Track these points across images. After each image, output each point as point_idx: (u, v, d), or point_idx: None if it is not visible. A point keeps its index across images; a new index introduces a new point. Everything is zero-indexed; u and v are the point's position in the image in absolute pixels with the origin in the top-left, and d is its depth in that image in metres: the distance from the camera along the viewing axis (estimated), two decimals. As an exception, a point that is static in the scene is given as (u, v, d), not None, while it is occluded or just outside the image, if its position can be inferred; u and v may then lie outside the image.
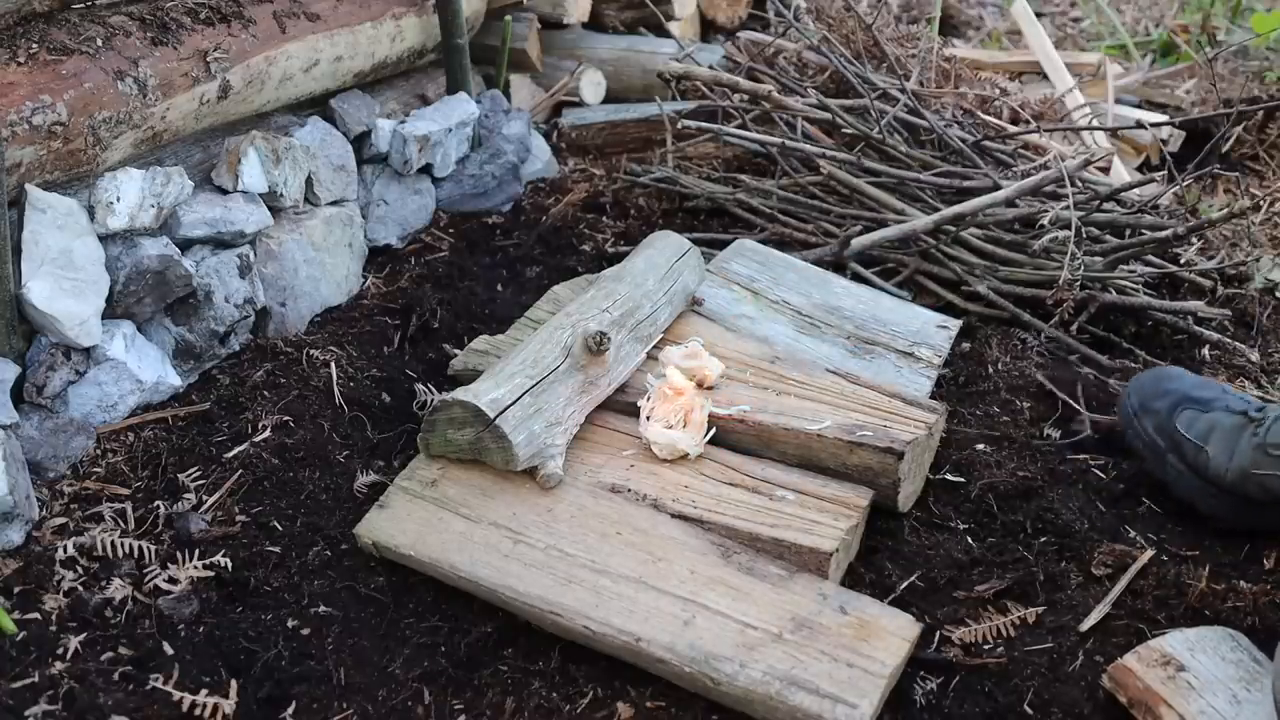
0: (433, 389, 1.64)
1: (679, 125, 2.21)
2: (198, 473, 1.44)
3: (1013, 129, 2.38)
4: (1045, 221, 1.84)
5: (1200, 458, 1.41)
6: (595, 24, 3.02)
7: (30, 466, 1.36)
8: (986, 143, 2.23)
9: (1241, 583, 1.32)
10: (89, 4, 1.58)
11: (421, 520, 1.31)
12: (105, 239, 1.51)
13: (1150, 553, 1.37)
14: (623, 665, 1.19)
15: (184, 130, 1.69)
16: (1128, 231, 1.99)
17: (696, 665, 1.13)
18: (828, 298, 1.80)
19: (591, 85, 2.78)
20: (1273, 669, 1.09)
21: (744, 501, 1.33)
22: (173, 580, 1.27)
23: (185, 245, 1.63)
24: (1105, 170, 2.43)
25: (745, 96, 2.31)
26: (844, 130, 2.18)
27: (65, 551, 1.27)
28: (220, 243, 1.68)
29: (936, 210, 2.02)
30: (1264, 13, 2.99)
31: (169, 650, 1.18)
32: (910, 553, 1.38)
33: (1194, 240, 2.08)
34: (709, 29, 3.40)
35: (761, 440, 1.43)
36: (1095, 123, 2.64)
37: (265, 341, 1.71)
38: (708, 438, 1.42)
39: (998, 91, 2.55)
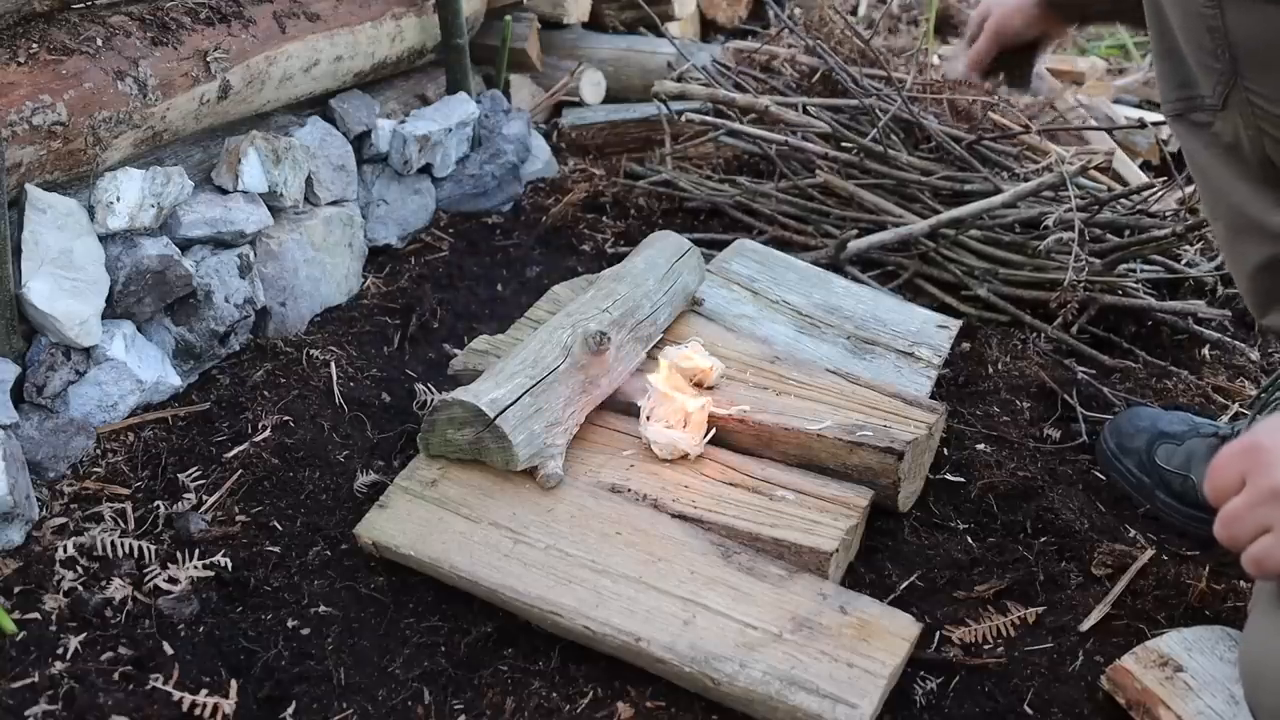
0: (433, 389, 1.64)
1: (683, 119, 2.21)
2: (198, 473, 1.44)
3: (1011, 126, 2.38)
4: (1050, 223, 1.85)
5: (1186, 487, 1.42)
6: (595, 24, 3.03)
7: (30, 466, 1.36)
8: (984, 144, 2.23)
9: (1241, 583, 1.32)
10: (89, 4, 1.58)
11: (421, 520, 1.31)
12: (105, 239, 1.51)
13: (1150, 553, 1.37)
14: (623, 665, 1.19)
15: (184, 130, 1.69)
16: (1127, 231, 1.99)
17: (696, 665, 1.13)
18: (828, 297, 1.80)
19: (591, 85, 2.79)
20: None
21: (744, 501, 1.33)
22: (173, 580, 1.27)
23: (185, 245, 1.63)
24: (1105, 170, 2.43)
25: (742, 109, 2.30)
26: (844, 145, 2.18)
27: (65, 551, 1.27)
28: (220, 243, 1.68)
29: (936, 212, 2.02)
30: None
31: (169, 650, 1.18)
32: (910, 553, 1.38)
33: (1194, 240, 2.08)
34: (709, 29, 3.41)
35: (761, 440, 1.43)
36: (1091, 122, 2.64)
37: (265, 341, 1.71)
38: (708, 438, 1.42)
39: (994, 98, 2.56)
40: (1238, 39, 1.08)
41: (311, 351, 1.68)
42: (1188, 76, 1.17)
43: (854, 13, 3.43)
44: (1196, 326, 1.89)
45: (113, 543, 1.30)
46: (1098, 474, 1.53)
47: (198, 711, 1.12)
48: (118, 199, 1.50)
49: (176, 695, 1.13)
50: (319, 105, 2.04)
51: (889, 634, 1.16)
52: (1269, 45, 1.06)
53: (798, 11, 2.95)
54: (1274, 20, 1.04)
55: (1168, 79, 1.21)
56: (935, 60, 2.96)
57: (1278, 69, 1.08)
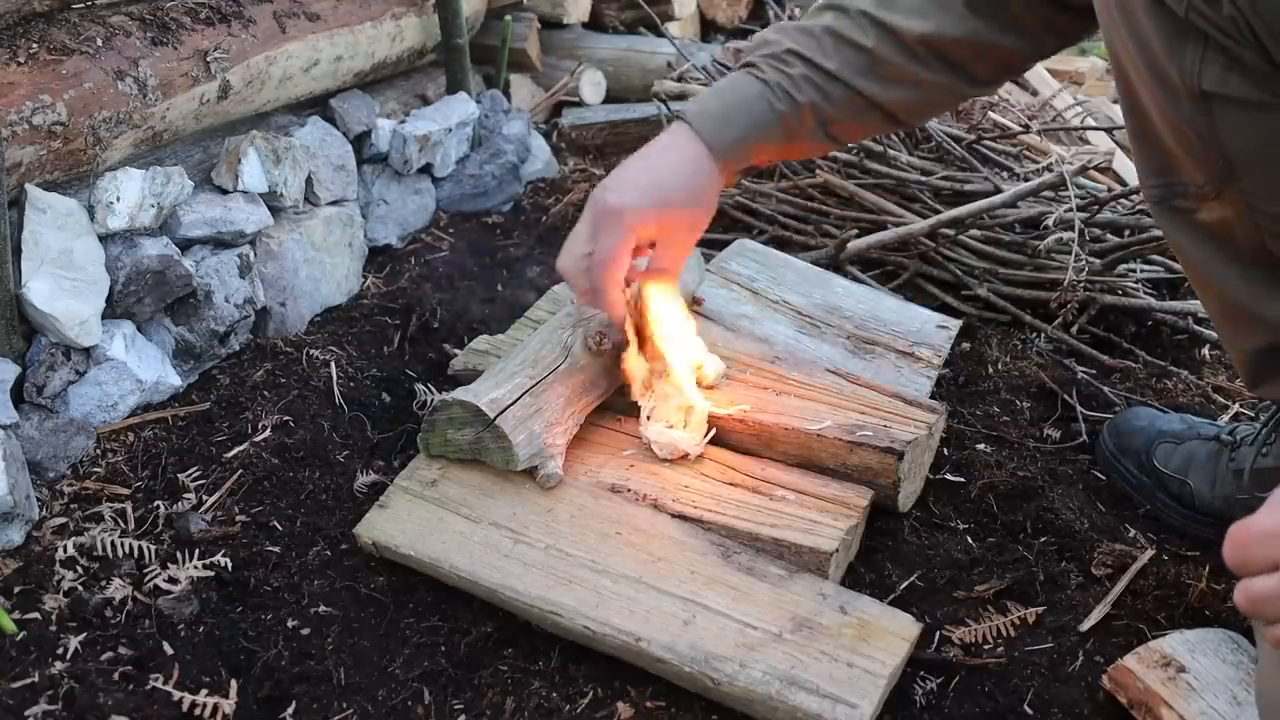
0: (433, 389, 1.64)
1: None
2: (198, 473, 1.44)
3: (1011, 126, 2.38)
4: (1050, 223, 1.85)
5: (1184, 490, 1.42)
6: (595, 24, 3.03)
7: (30, 466, 1.36)
8: (984, 144, 2.22)
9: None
10: (89, 4, 1.59)
11: (421, 520, 1.31)
12: (105, 239, 1.51)
13: (1150, 553, 1.37)
14: (623, 665, 1.19)
15: (184, 130, 1.69)
16: (1127, 231, 1.99)
17: (696, 665, 1.13)
18: (828, 297, 1.80)
19: (591, 85, 2.79)
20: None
21: (744, 501, 1.33)
22: (173, 580, 1.27)
23: (185, 245, 1.63)
24: (1105, 170, 2.43)
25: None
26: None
27: (65, 551, 1.27)
28: (220, 243, 1.68)
29: (936, 212, 2.02)
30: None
31: (169, 650, 1.18)
32: (910, 553, 1.38)
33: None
34: (709, 29, 3.41)
35: (761, 440, 1.43)
36: (1090, 121, 2.64)
37: (265, 341, 1.71)
38: (708, 438, 1.42)
39: (995, 97, 2.56)
40: (1230, 144, 1.00)
41: (311, 351, 1.68)
42: (1167, 163, 1.08)
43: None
44: (1196, 326, 1.89)
45: (113, 543, 1.30)
46: (1098, 474, 1.53)
47: (198, 711, 1.12)
48: (118, 199, 1.50)
49: (176, 695, 1.12)
50: (319, 105, 2.04)
51: (889, 634, 1.16)
52: (1264, 150, 0.98)
53: (798, 11, 2.95)
54: (1270, 125, 0.97)
55: (1145, 164, 1.11)
56: None
57: (1276, 172, 1.00)
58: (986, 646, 1.25)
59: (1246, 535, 0.84)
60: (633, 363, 1.41)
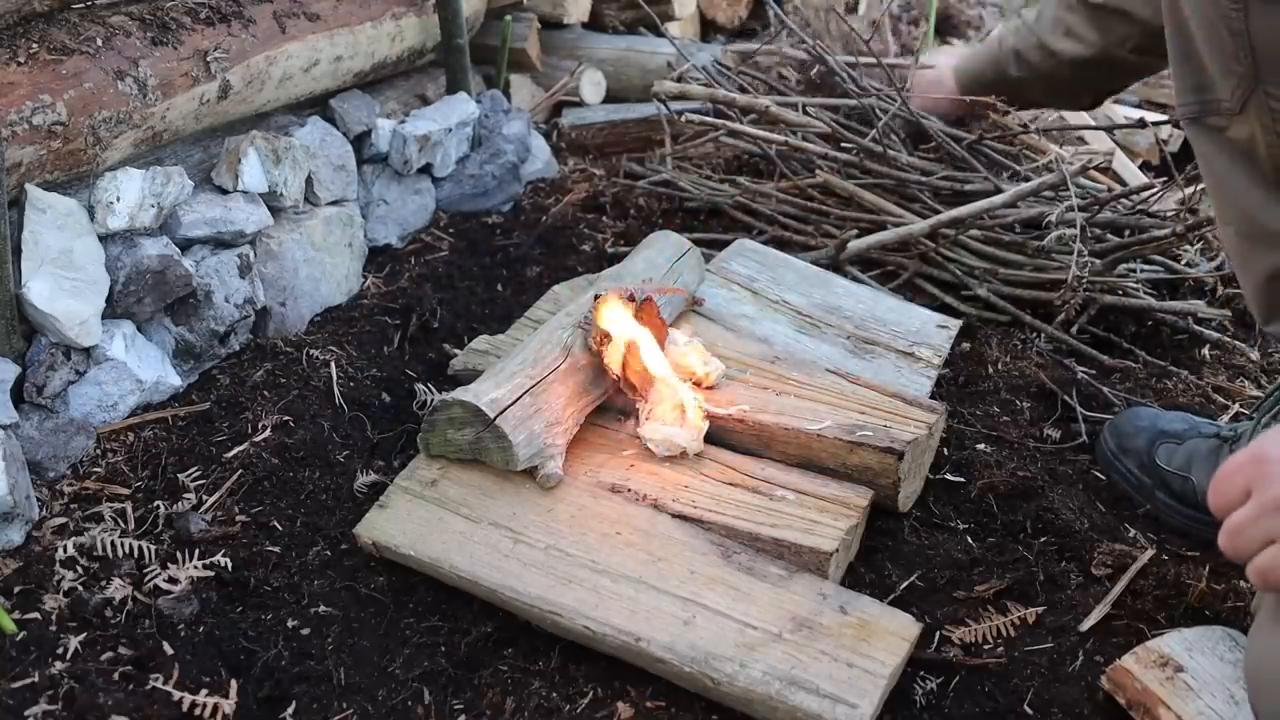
0: (433, 389, 1.64)
1: (683, 119, 2.21)
2: (198, 473, 1.44)
3: (1011, 126, 2.37)
4: (1051, 219, 1.84)
5: (1186, 488, 1.42)
6: (595, 24, 3.03)
7: (30, 466, 1.36)
8: (984, 144, 2.22)
9: (1241, 583, 1.32)
10: (89, 4, 1.58)
11: (421, 520, 1.31)
12: (105, 239, 1.51)
13: (1150, 553, 1.37)
14: (623, 665, 1.19)
15: (184, 130, 1.69)
16: (1127, 231, 1.99)
17: (696, 665, 1.13)
18: (828, 297, 1.80)
19: (591, 85, 2.79)
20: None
21: (744, 501, 1.33)
22: (173, 580, 1.27)
23: (185, 245, 1.63)
24: (1105, 170, 2.43)
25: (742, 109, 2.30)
26: (844, 145, 2.18)
27: (65, 551, 1.27)
28: (220, 243, 1.68)
29: (936, 212, 2.02)
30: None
31: (169, 650, 1.18)
32: (910, 553, 1.38)
33: (1194, 240, 2.08)
34: (709, 29, 3.41)
35: (761, 440, 1.43)
36: (1090, 121, 2.63)
37: (265, 341, 1.71)
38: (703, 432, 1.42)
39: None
40: (1261, 41, 1.07)
41: (311, 351, 1.69)
42: (1204, 80, 1.17)
43: (854, 10, 3.43)
44: (1196, 326, 1.89)
45: (113, 543, 1.30)
46: (1098, 474, 1.53)
47: (198, 711, 1.12)
48: (118, 199, 1.50)
49: (176, 695, 1.13)
50: (319, 105, 2.04)
51: (889, 634, 1.16)
52: None
53: (799, 6, 2.95)
54: None
55: (1184, 82, 1.21)
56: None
57: None
58: (986, 646, 1.25)
59: (1222, 473, 0.86)
60: (612, 358, 1.43)
